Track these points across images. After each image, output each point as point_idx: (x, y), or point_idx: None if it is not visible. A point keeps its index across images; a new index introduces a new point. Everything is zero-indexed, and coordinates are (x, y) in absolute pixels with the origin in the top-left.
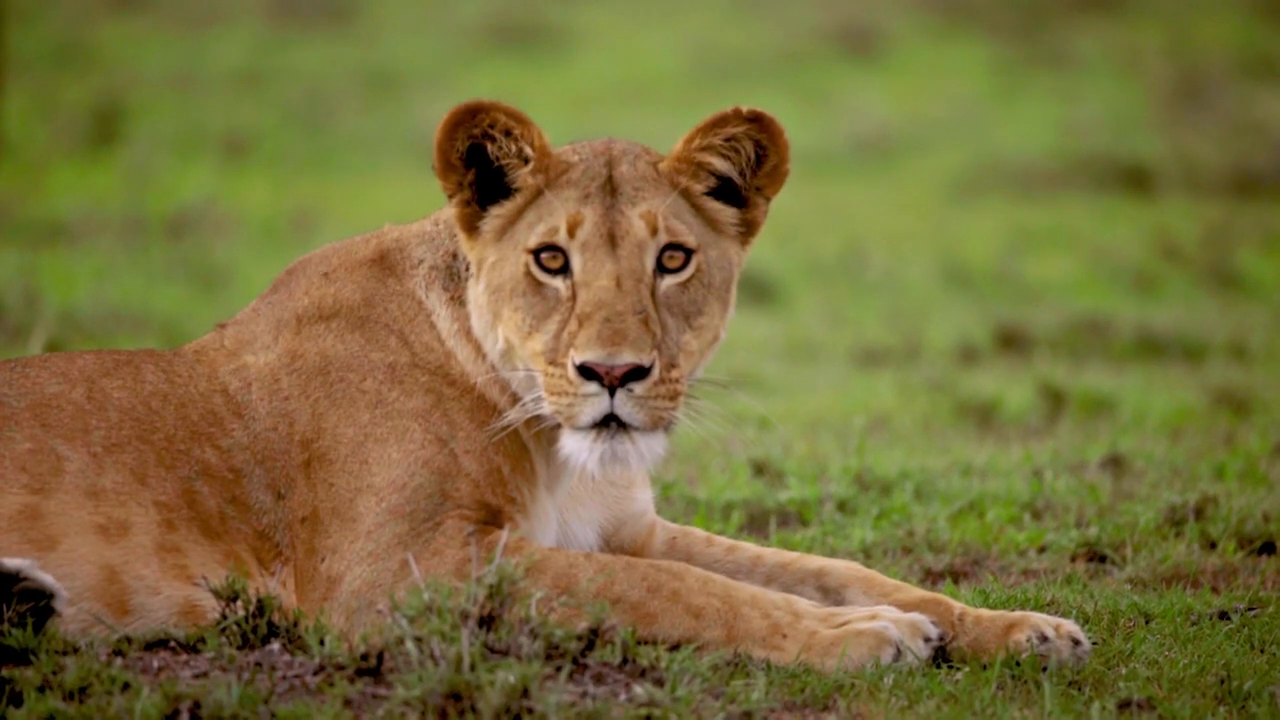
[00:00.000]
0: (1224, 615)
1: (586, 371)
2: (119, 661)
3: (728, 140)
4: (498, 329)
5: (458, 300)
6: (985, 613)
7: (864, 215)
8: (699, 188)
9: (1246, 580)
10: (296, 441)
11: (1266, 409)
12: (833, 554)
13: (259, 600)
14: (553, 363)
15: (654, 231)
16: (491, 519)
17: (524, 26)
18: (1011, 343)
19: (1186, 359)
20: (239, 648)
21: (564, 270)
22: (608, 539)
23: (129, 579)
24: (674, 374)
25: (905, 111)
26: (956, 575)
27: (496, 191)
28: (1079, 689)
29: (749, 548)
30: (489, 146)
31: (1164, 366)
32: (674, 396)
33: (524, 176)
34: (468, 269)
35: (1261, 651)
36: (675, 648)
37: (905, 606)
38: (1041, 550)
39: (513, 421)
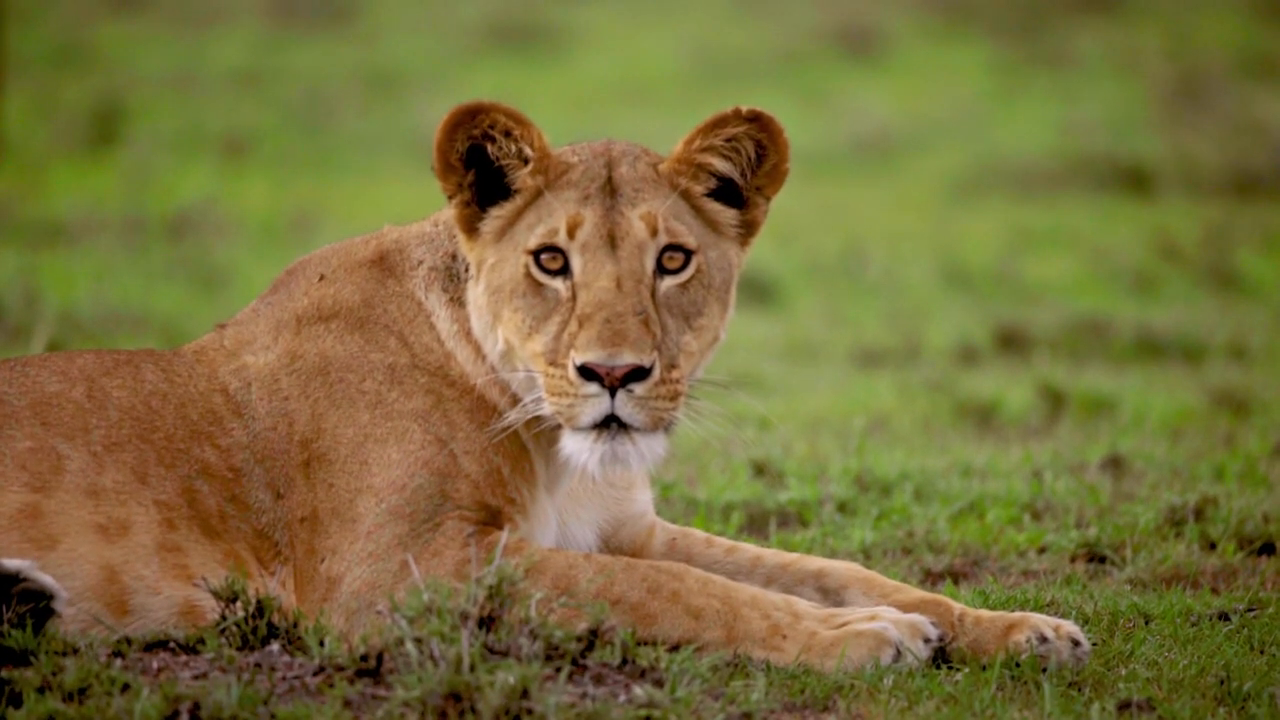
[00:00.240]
0: (1224, 616)
1: (587, 372)
2: (119, 662)
3: (728, 141)
4: (497, 330)
5: (457, 301)
6: (985, 613)
7: (864, 215)
8: (699, 189)
9: (1246, 581)
10: (296, 441)
11: (1266, 410)
12: (832, 555)
13: (259, 601)
14: (553, 364)
15: (654, 232)
16: (491, 520)
17: (523, 26)
18: (1011, 343)
19: (1186, 360)
20: (239, 648)
21: (564, 271)
22: (607, 540)
23: (129, 579)
24: (674, 374)
25: (905, 112)
26: (956, 576)
27: (496, 192)
28: (1079, 690)
29: (749, 548)
30: (489, 147)
31: (1164, 367)
32: (674, 397)
33: (524, 177)
34: (467, 270)
35: (1261, 652)
36: (675, 649)
37: (905, 607)
38: (1041, 551)
39: (513, 422)
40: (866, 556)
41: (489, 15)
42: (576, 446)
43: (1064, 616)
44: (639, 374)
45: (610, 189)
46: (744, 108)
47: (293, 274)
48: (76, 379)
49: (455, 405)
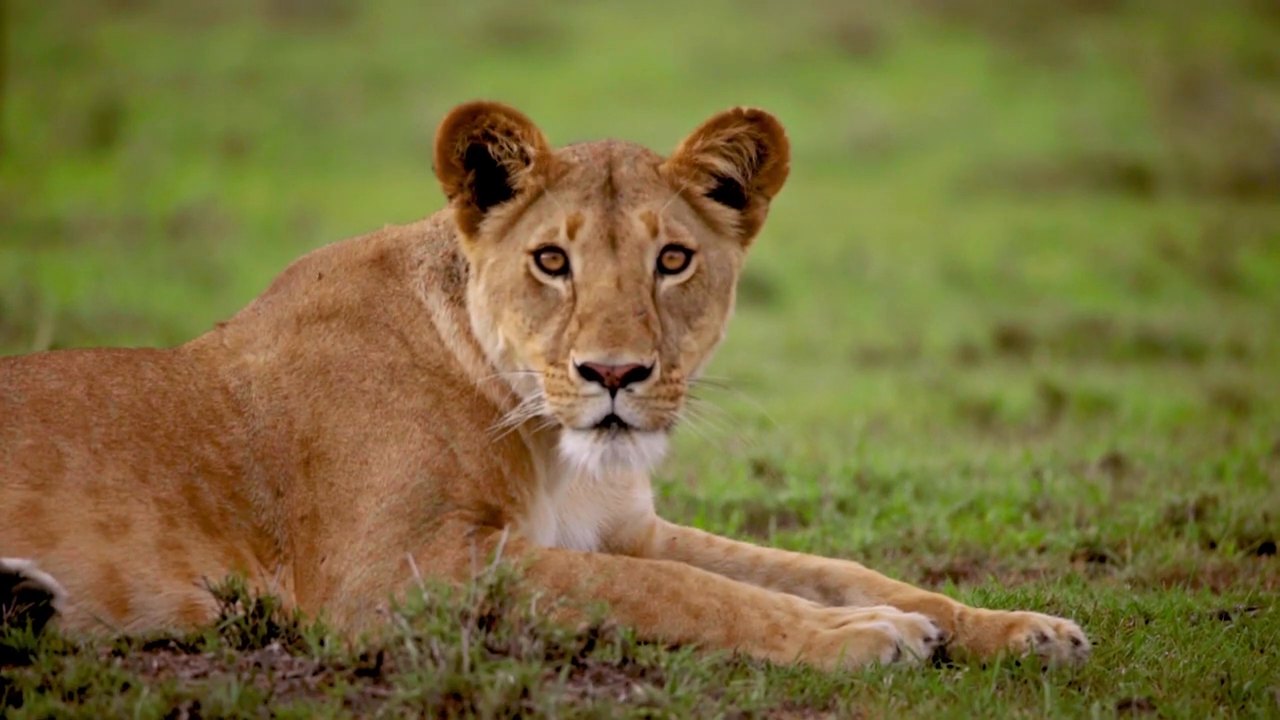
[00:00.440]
0: (1224, 615)
1: (587, 372)
2: (119, 661)
3: (730, 141)
4: (498, 330)
5: (457, 301)
6: (985, 612)
7: (864, 215)
8: (699, 189)
9: (1246, 580)
10: (296, 440)
11: (1266, 409)
12: (832, 554)
13: (259, 600)
14: (553, 363)
15: (654, 232)
16: (491, 519)
17: (524, 26)
18: (1011, 343)
19: (1186, 359)
20: (239, 648)
21: (564, 271)
22: (607, 539)
23: (129, 577)
24: (674, 374)
25: (905, 112)
26: (956, 575)
27: (496, 192)
28: (1079, 689)
29: (749, 548)
30: (489, 147)
31: (1164, 367)
32: (674, 397)
33: (524, 177)
34: (467, 270)
35: (1261, 651)
36: (675, 648)
37: (905, 606)
38: (1041, 550)
39: (513, 422)
40: (866, 556)
41: (489, 15)
42: (577, 446)
43: (1064, 615)
44: (639, 374)
45: (611, 189)
46: (745, 107)
47: (293, 273)
48: (77, 377)
49: (455, 405)
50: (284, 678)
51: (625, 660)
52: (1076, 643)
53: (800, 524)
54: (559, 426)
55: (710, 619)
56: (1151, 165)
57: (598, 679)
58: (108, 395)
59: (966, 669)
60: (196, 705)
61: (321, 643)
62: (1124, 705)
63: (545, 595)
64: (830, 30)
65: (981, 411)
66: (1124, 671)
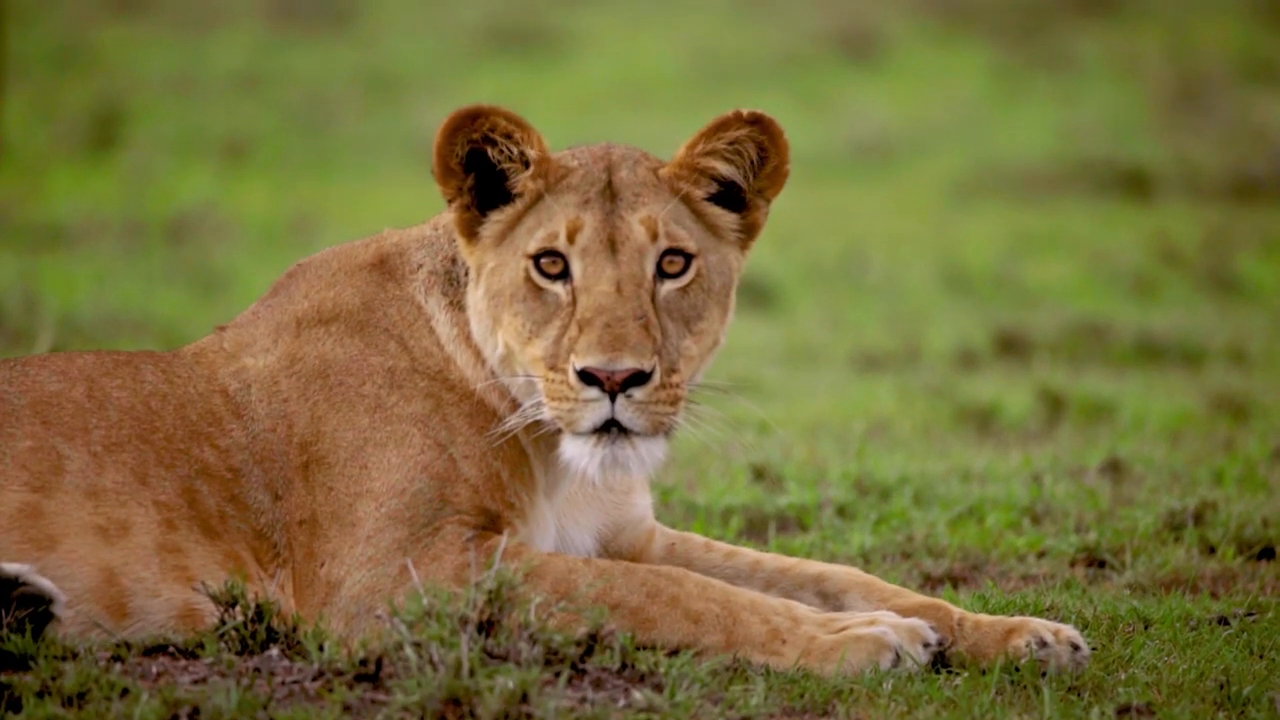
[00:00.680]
0: (1223, 620)
1: (587, 377)
2: (118, 667)
3: (731, 144)
4: (497, 334)
5: (457, 305)
6: (984, 618)
7: (864, 219)
8: (699, 193)
9: (1246, 585)
10: (295, 444)
11: (1266, 414)
12: (832, 559)
13: (258, 605)
14: (553, 368)
15: (654, 237)
16: (490, 524)
17: (523, 30)
18: (1011, 347)
19: (1186, 364)
20: (238, 653)
21: (564, 275)
22: (606, 545)
23: (128, 581)
24: (674, 379)
25: (905, 115)
26: (956, 580)
27: (496, 196)
28: (1078, 694)
29: (748, 553)
30: (489, 151)
31: (1163, 371)
32: (674, 401)
33: (524, 181)
34: (467, 274)
35: (1260, 657)
36: (674, 653)
37: (904, 612)
38: (1041, 555)
39: (513, 427)
40: (866, 561)
41: (489, 18)
42: (577, 451)
43: (1063, 621)
44: (639, 378)
45: (610, 193)
46: (745, 110)
47: (292, 277)
48: (77, 379)
49: (455, 409)
50: (283, 683)
51: (624, 665)
52: (1076, 648)
53: (800, 529)
54: (558, 431)
55: (709, 624)
56: (1151, 169)
57: (597, 684)
58: (107, 398)
59: (966, 674)
60: (196, 711)
61: (321, 648)
62: (1123, 710)
63: (544, 600)
64: (830, 34)
65: (981, 416)
66: (1123, 677)
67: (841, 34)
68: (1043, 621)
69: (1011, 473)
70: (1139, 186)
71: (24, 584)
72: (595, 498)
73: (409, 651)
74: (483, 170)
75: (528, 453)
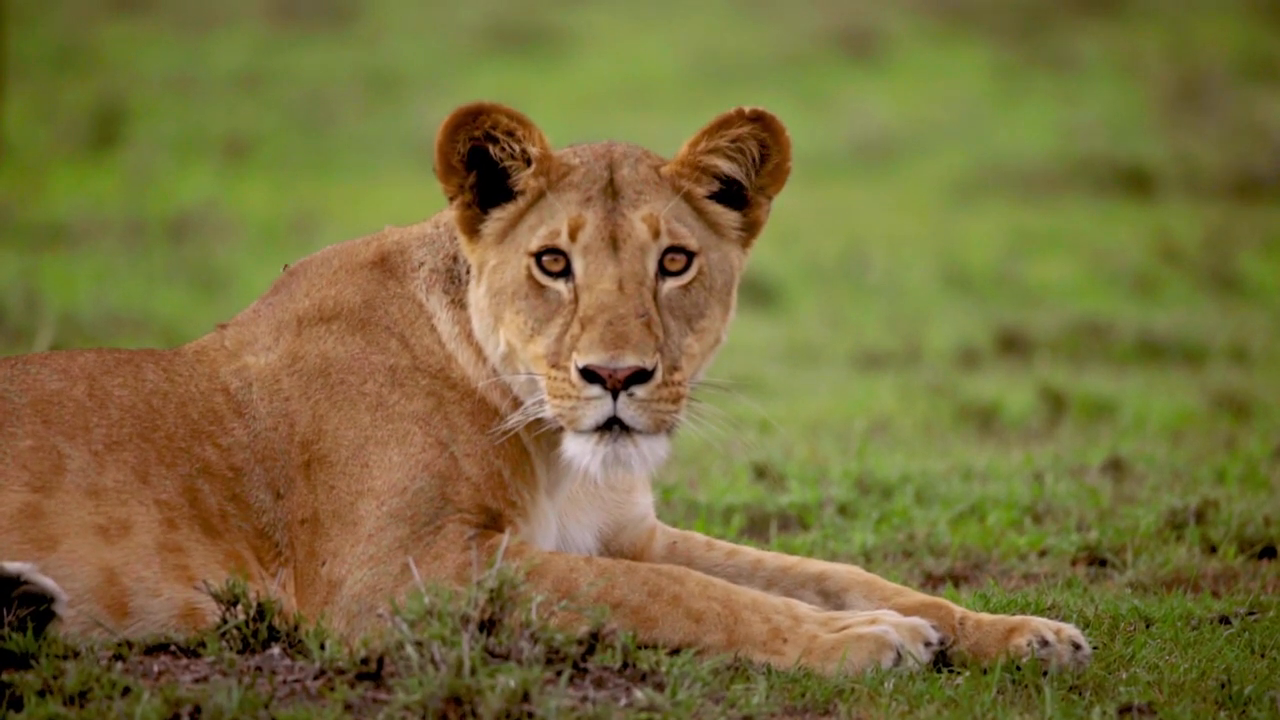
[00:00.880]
0: (1225, 620)
1: (589, 375)
2: (119, 666)
3: (733, 142)
4: (499, 332)
5: (458, 303)
6: (986, 617)
7: (865, 218)
8: (701, 191)
9: (1247, 584)
10: (297, 443)
11: (1267, 412)
12: (833, 558)
13: (259, 604)
14: (555, 366)
15: (656, 234)
16: (492, 523)
17: (524, 29)
18: (1012, 346)
19: (1187, 362)
20: (239, 652)
21: (566, 273)
22: (607, 543)
23: (129, 581)
24: (676, 377)
25: (906, 114)
26: (957, 579)
27: (498, 194)
28: (1080, 694)
29: (749, 552)
30: (491, 148)
31: (1164, 370)
32: (676, 399)
33: (525, 179)
34: (468, 272)
35: (1262, 656)
36: (676, 652)
37: (906, 611)
38: (1042, 554)
39: (514, 425)
40: (867, 559)
41: (490, 17)
42: (579, 449)
43: (1065, 620)
44: (641, 376)
45: (612, 191)
46: (747, 108)
47: (294, 275)
48: (78, 377)
49: (456, 408)
50: (284, 682)
51: (626, 664)
52: (1077, 647)
53: (801, 528)
54: (560, 430)
55: (711, 623)
56: (1152, 168)
57: (598, 683)
58: (108, 396)
59: (967, 673)
60: (197, 709)
61: (322, 647)
62: (1125, 710)
63: (546, 599)
64: (831, 33)
65: (982, 415)
66: (1125, 676)
67: (842, 33)
68: (1044, 620)
69: (1013, 471)
70: (1140, 185)
71: (25, 583)
72: (597, 496)
73: (410, 650)
74: (484, 168)
75: (529, 451)
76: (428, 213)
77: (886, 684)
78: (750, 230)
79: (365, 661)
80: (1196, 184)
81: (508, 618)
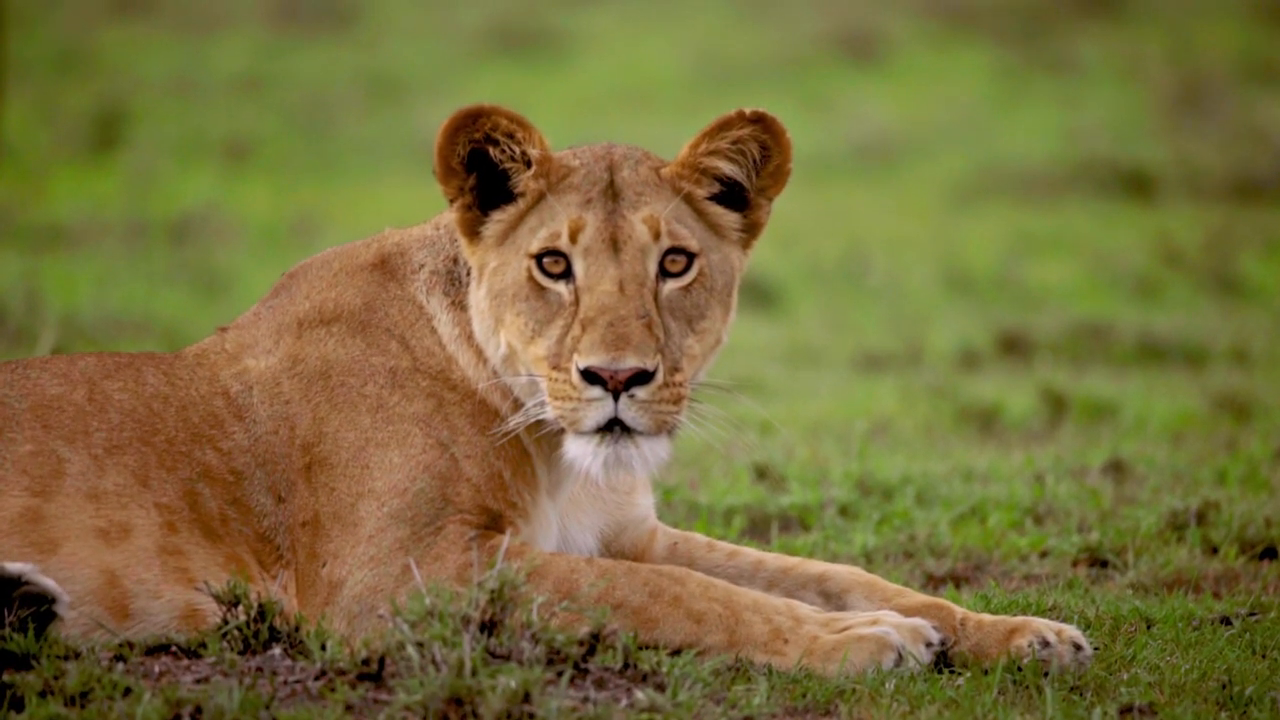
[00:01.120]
0: (1226, 620)
1: (590, 376)
2: (120, 666)
3: (734, 143)
4: (500, 334)
5: (459, 305)
6: (987, 618)
7: (866, 220)
8: (701, 192)
9: (1248, 585)
10: (297, 445)
11: (1268, 414)
12: (834, 559)
13: (260, 605)
14: (556, 367)
15: (656, 236)
16: (492, 524)
17: (525, 31)
18: (1013, 348)
19: (1188, 364)
20: (240, 653)
21: (566, 275)
22: (608, 544)
23: (130, 583)
24: (677, 378)
25: (907, 117)
26: (958, 580)
27: (498, 196)
28: (1080, 694)
29: (750, 553)
30: (491, 151)
31: (1165, 372)
32: (677, 400)
33: (526, 181)
34: (469, 274)
35: (1263, 657)
36: (677, 653)
37: (907, 611)
38: (1043, 555)
39: (515, 426)
40: (868, 561)
41: (491, 20)
42: (580, 450)
43: (1066, 621)
44: (642, 377)
45: (612, 192)
46: (748, 109)
47: (294, 278)
48: (78, 382)
49: (457, 409)
50: (285, 683)
51: (627, 665)
52: (1078, 648)
53: (802, 529)
54: (561, 431)
55: (712, 624)
56: (1153, 170)
57: (599, 684)
58: (109, 400)
59: (968, 674)
60: (198, 710)
61: (323, 647)
62: (1126, 710)
63: (547, 600)
64: (832, 35)
65: (983, 416)
66: (1126, 677)
67: (843, 35)
68: (1045, 621)
69: (1014, 473)
70: (1141, 187)
71: (26, 583)
72: (597, 497)
73: (411, 651)
74: (484, 170)
75: (530, 452)
76: (428, 215)
77: (888, 685)
78: (751, 231)
79: (366, 662)
80: (1197, 186)
81: (509, 618)
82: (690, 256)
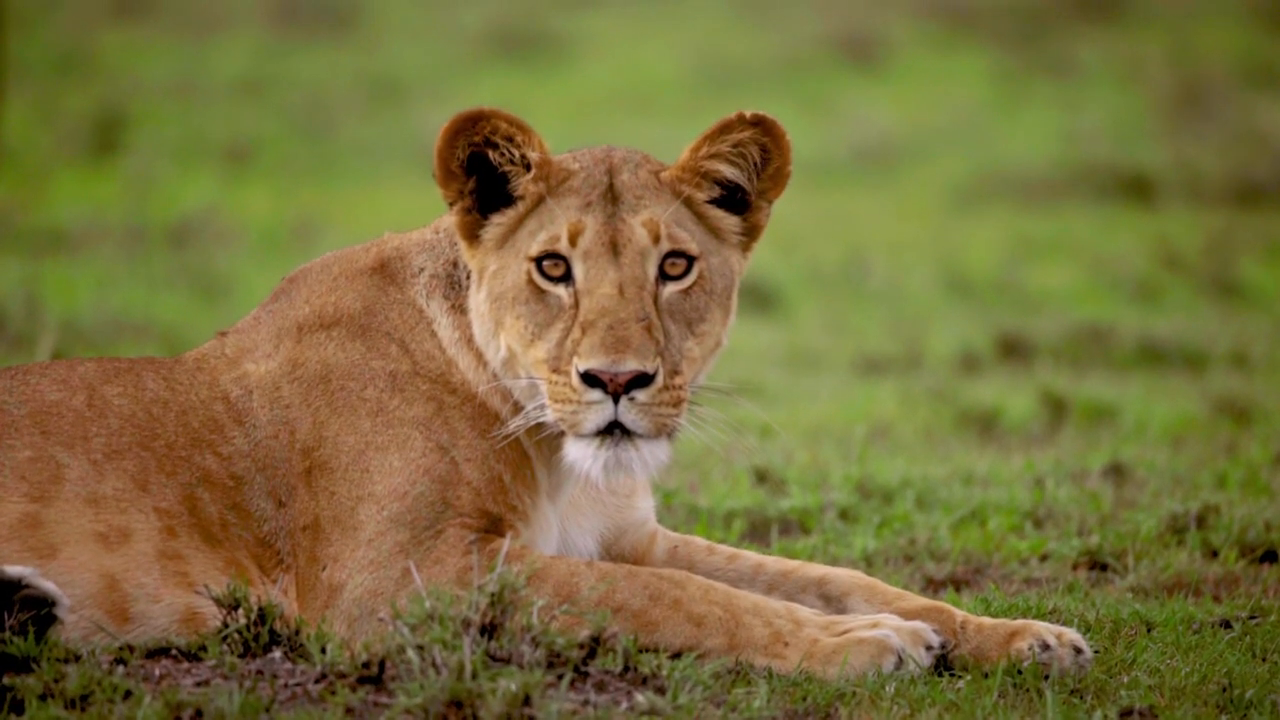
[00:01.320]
0: (1226, 624)
1: (590, 379)
2: (121, 669)
3: (734, 146)
4: (500, 337)
5: (459, 308)
6: (987, 621)
7: (866, 224)
8: (701, 196)
9: (1248, 589)
10: (298, 449)
11: (1268, 418)
12: (834, 562)
13: (260, 608)
14: (556, 370)
15: (656, 239)
16: (493, 527)
17: (526, 34)
18: (1013, 351)
19: (1188, 368)
20: (240, 656)
21: (566, 278)
22: (608, 547)
23: (130, 587)
24: (677, 381)
25: (907, 120)
26: (958, 583)
27: (497, 199)
28: (1081, 697)
29: (750, 556)
30: (490, 154)
31: (1165, 375)
32: (677, 403)
33: (525, 184)
34: (469, 277)
35: (1263, 660)
36: (677, 656)
37: (907, 615)
38: (1043, 558)
39: (515, 430)
40: (868, 564)
41: (491, 23)
42: (580, 453)
43: (1066, 624)
44: (642, 380)
45: (612, 196)
46: (748, 112)
47: (294, 282)
48: (77, 387)
49: (457, 413)
50: (286, 686)
51: (627, 668)
52: (1078, 651)
53: (802, 532)
54: (561, 434)
55: (712, 627)
56: (1153, 174)
57: (599, 687)
58: (108, 405)
59: (969, 677)
60: (198, 713)
61: (323, 651)
62: (1126, 713)
63: (547, 603)
64: (832, 38)
65: (983, 420)
66: (1126, 680)
67: (843, 39)
68: (1045, 624)
69: (1014, 476)
70: (1141, 191)
71: (27, 586)
72: (597, 500)
73: (411, 654)
74: (484, 173)
75: (530, 455)
76: (428, 218)
77: (888, 688)
78: (751, 235)
79: (366, 665)
80: (1197, 190)
81: (509, 622)
82: (690, 260)
